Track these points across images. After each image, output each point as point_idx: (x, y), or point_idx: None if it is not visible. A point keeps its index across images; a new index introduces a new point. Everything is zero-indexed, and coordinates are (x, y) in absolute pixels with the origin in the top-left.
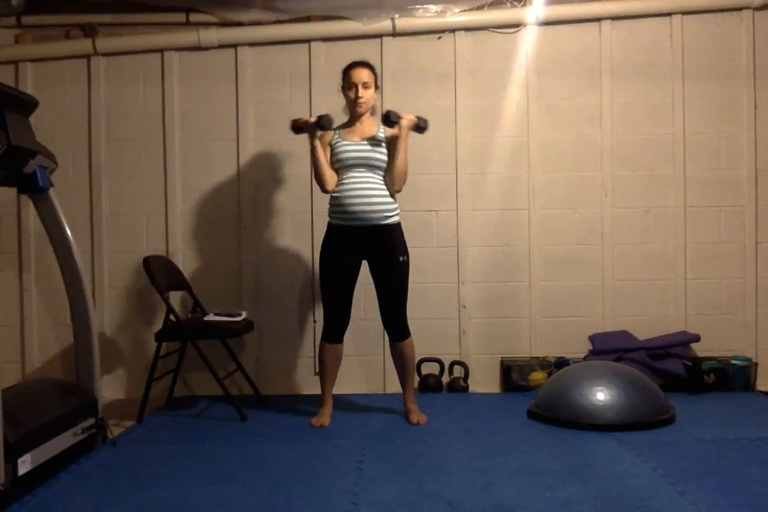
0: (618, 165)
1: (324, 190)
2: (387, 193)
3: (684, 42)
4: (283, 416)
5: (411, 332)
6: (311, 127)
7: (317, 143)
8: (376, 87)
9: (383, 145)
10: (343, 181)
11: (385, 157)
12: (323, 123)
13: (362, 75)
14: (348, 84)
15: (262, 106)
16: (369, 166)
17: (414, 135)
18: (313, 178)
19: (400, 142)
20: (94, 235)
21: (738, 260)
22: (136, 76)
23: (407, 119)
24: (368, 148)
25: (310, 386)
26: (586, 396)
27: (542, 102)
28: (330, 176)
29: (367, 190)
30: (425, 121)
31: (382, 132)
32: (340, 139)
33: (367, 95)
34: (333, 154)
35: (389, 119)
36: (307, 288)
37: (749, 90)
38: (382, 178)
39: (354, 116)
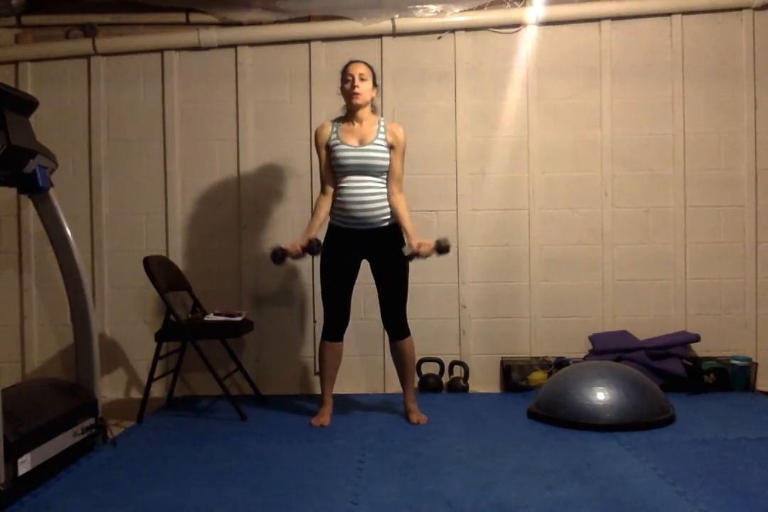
0: (618, 165)
1: None
2: (386, 196)
3: (684, 42)
4: (283, 416)
5: (411, 332)
6: (301, 255)
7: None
8: (375, 85)
9: (384, 147)
10: (344, 186)
11: (385, 162)
12: (313, 250)
13: (358, 68)
14: (344, 77)
15: (262, 106)
16: (369, 171)
17: (412, 132)
18: (319, 173)
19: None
20: (94, 235)
21: (738, 260)
22: (136, 76)
23: (423, 250)
24: (368, 154)
25: (310, 386)
26: (586, 396)
27: (542, 102)
28: (328, 208)
29: (368, 196)
30: (445, 241)
31: (383, 133)
32: (338, 142)
33: (363, 87)
34: (332, 157)
35: (406, 256)
36: (307, 288)
37: (749, 90)
38: (382, 181)
39: (352, 111)
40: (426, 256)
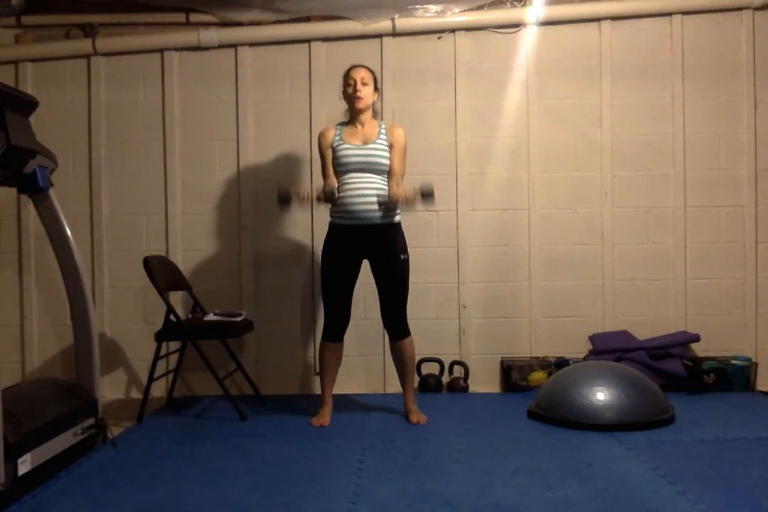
0: (618, 165)
1: None
2: (387, 193)
3: (684, 42)
4: (283, 416)
5: (411, 331)
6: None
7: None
8: (376, 88)
9: (385, 147)
10: (345, 182)
11: (387, 161)
12: (330, 198)
13: (360, 72)
14: (346, 82)
15: (262, 106)
16: (370, 169)
17: (412, 132)
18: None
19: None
20: (94, 235)
21: (738, 260)
22: (136, 76)
23: (398, 198)
24: (370, 152)
25: (310, 386)
26: (586, 396)
27: (542, 102)
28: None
29: (368, 190)
30: (428, 187)
31: (384, 134)
32: (341, 142)
33: (365, 91)
34: (335, 156)
35: (380, 205)
36: (307, 288)
37: (749, 90)
38: (384, 180)
39: (354, 115)
40: (406, 204)
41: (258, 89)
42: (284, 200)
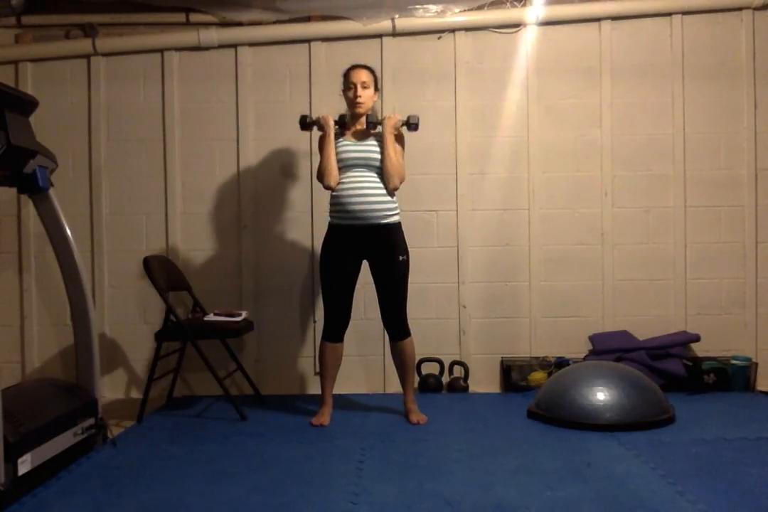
0: (618, 165)
1: (327, 187)
2: (386, 192)
3: (684, 42)
4: (283, 416)
5: (411, 332)
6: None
7: (332, 137)
8: (376, 89)
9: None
10: (343, 180)
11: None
12: (346, 122)
13: (361, 75)
14: (347, 84)
15: (262, 106)
16: (369, 166)
17: (413, 134)
18: (315, 175)
19: (384, 141)
20: (94, 235)
21: (738, 260)
22: (136, 76)
23: (388, 121)
24: (368, 148)
25: (310, 386)
26: (586, 396)
27: (542, 102)
28: (336, 173)
29: (367, 189)
30: (415, 117)
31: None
32: (341, 139)
33: (365, 95)
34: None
35: (368, 122)
36: (307, 288)
37: (749, 90)
38: (381, 177)
39: (354, 117)
40: (391, 125)
41: (258, 89)
42: (305, 123)
